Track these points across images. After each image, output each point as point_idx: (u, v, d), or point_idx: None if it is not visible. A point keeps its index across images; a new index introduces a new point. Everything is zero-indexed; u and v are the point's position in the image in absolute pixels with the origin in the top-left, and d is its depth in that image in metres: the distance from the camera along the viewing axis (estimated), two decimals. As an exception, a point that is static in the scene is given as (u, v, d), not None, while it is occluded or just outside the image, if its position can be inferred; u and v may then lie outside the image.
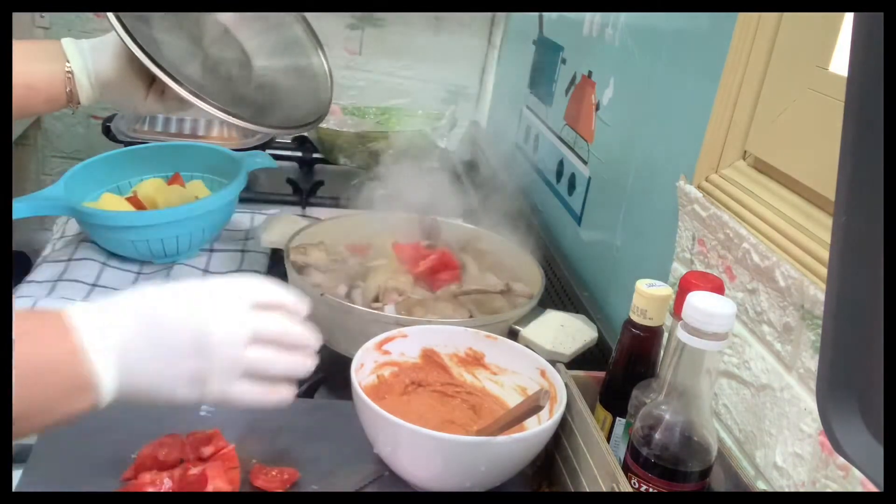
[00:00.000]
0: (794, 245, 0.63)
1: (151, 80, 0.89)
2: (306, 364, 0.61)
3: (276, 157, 1.38)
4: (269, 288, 0.61)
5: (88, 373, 0.52)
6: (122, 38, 0.82)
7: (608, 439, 0.71)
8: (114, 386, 0.53)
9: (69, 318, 0.53)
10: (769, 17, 0.71)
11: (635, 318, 0.68)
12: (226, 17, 1.02)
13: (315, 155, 1.56)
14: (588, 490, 0.67)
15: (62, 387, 0.51)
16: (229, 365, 0.57)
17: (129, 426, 0.73)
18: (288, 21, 1.08)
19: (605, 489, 0.63)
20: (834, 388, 0.38)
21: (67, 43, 0.85)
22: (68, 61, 0.84)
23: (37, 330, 0.52)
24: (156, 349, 0.55)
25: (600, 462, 0.65)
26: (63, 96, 0.85)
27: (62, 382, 0.51)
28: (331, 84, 1.07)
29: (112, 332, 0.53)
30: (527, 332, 0.88)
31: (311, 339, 0.62)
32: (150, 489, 0.65)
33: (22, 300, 0.95)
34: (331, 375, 0.87)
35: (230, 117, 0.87)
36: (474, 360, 0.81)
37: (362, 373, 0.75)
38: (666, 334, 0.69)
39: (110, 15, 0.82)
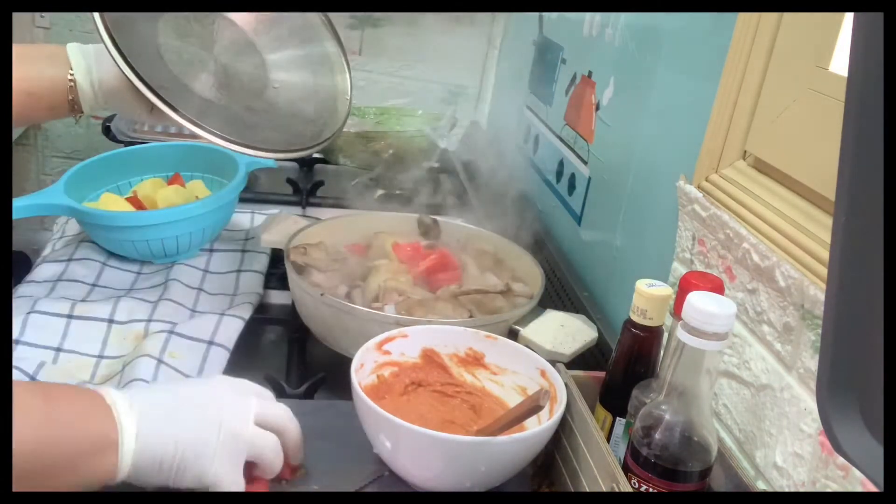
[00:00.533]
0: (794, 245, 0.63)
1: None
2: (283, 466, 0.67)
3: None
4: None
5: (112, 430, 0.58)
6: (115, 60, 0.77)
7: (608, 439, 0.71)
8: (132, 446, 0.58)
9: (102, 392, 0.60)
10: (769, 17, 0.71)
11: (635, 318, 0.68)
12: (245, 22, 0.98)
13: (315, 155, 1.56)
14: (588, 490, 0.67)
15: (89, 442, 0.57)
16: (231, 438, 0.62)
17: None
18: (319, 37, 1.05)
19: (605, 489, 0.63)
20: (834, 388, 0.38)
21: (72, 48, 0.82)
22: (71, 67, 0.82)
23: (75, 395, 0.59)
24: (171, 418, 0.61)
25: (600, 462, 0.65)
26: (66, 104, 0.83)
27: (89, 437, 0.57)
28: (349, 104, 1.03)
29: (136, 400, 0.60)
30: (527, 332, 0.88)
31: (300, 446, 0.68)
32: None
33: (22, 300, 0.95)
34: (331, 375, 0.87)
35: (232, 144, 0.84)
36: (474, 360, 0.81)
37: (362, 373, 0.75)
38: (666, 334, 0.69)
39: (103, 34, 0.78)
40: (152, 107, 0.87)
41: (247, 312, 0.97)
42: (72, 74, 0.82)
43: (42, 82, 0.81)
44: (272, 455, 0.64)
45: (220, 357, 0.88)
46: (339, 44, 1.05)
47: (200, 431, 0.61)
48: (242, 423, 0.62)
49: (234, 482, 0.62)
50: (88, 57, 0.83)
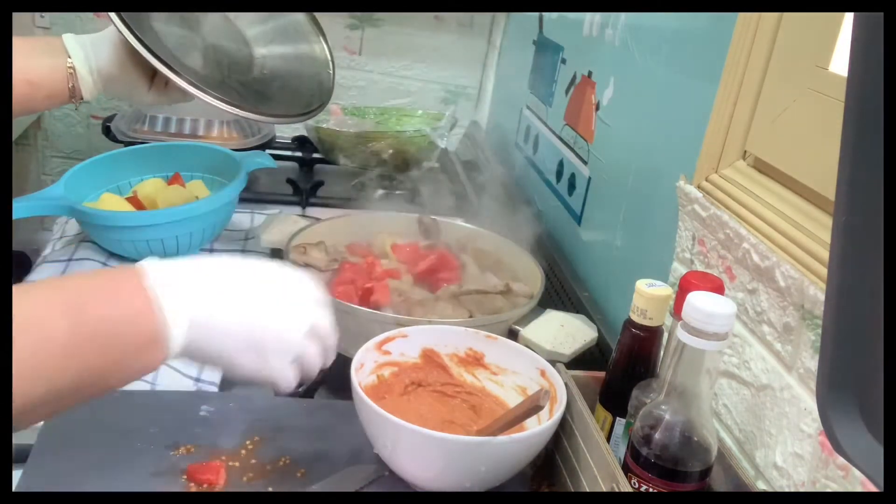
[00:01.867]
0: (794, 245, 0.63)
1: (153, 72, 0.88)
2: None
3: (276, 157, 1.38)
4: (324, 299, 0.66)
5: (162, 327, 0.53)
6: (120, 31, 0.81)
7: (608, 439, 0.71)
8: (181, 342, 0.55)
9: (143, 275, 0.54)
10: (769, 17, 0.71)
11: (635, 318, 0.68)
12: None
13: (315, 155, 1.56)
14: (588, 490, 0.67)
15: (136, 342, 0.53)
16: (287, 346, 0.61)
17: (128, 426, 0.74)
18: (305, 34, 1.08)
19: (605, 489, 0.63)
20: (834, 388, 0.38)
21: (69, 38, 0.85)
22: (70, 56, 0.84)
23: (112, 286, 0.54)
24: (226, 314, 0.57)
25: (600, 462, 0.65)
26: (65, 92, 0.85)
27: (136, 338, 0.53)
28: (332, 70, 1.05)
29: (185, 291, 0.55)
30: (527, 332, 0.88)
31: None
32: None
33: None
34: (331, 375, 0.87)
35: (232, 108, 0.86)
36: (474, 360, 0.81)
37: (362, 373, 0.75)
38: (666, 334, 0.69)
39: (114, 18, 0.82)
40: (150, 86, 0.89)
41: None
42: (70, 62, 0.84)
43: (41, 70, 0.83)
44: (314, 363, 0.64)
45: None
46: (307, 15, 1.08)
47: (252, 340, 0.59)
48: (296, 333, 0.61)
49: (285, 378, 0.62)
50: (85, 46, 0.85)
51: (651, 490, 0.61)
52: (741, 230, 0.70)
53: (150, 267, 0.55)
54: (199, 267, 0.58)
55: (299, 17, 1.07)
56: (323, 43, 1.07)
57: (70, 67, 0.84)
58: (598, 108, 1.12)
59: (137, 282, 0.54)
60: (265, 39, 1.03)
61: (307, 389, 0.85)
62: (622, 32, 1.07)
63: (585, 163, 1.15)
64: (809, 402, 0.61)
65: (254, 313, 0.59)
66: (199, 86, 0.84)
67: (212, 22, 0.99)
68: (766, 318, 0.67)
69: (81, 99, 0.86)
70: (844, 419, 0.38)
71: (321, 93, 1.03)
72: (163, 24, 0.90)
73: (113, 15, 0.81)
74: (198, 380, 0.85)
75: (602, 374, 0.74)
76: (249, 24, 1.03)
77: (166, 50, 0.85)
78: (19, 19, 1.62)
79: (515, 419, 0.68)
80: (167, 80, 0.87)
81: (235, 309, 0.58)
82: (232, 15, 1.02)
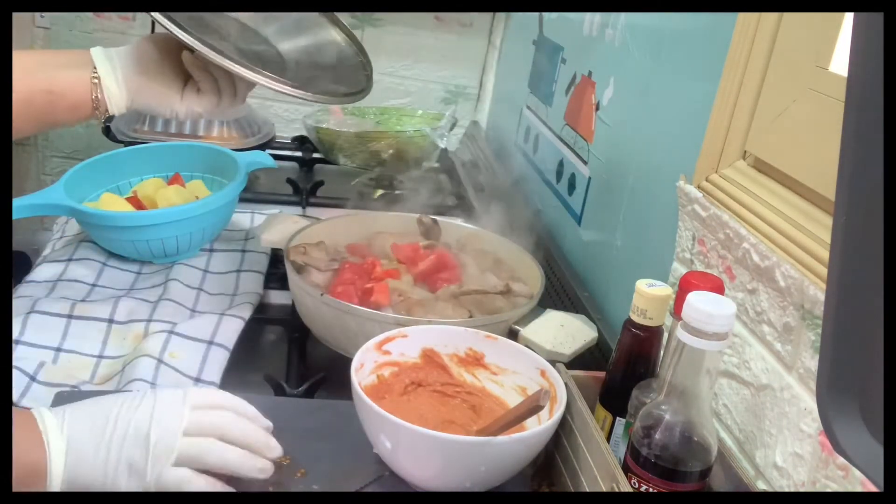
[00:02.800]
0: (794, 245, 0.63)
1: (185, 79, 0.86)
2: (254, 461, 0.65)
3: (276, 157, 1.38)
4: (213, 392, 0.68)
5: (44, 463, 0.60)
6: (161, 23, 0.78)
7: (608, 439, 0.71)
8: (60, 474, 0.60)
9: (41, 419, 0.61)
10: (769, 17, 0.71)
11: (635, 318, 0.68)
12: (240, 14, 0.98)
13: (315, 155, 1.56)
14: (588, 490, 0.67)
15: (23, 473, 0.59)
16: (162, 452, 0.62)
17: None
18: (321, 23, 1.05)
19: (605, 489, 0.63)
20: (834, 388, 0.38)
21: (96, 51, 0.83)
22: (95, 67, 0.82)
23: (15, 428, 0.59)
24: (100, 441, 0.61)
25: (600, 462, 0.65)
26: (89, 104, 0.82)
27: (23, 469, 0.59)
28: (358, 47, 1.02)
29: (67, 429, 0.61)
30: (527, 332, 0.88)
31: (260, 436, 0.67)
32: None
33: (22, 300, 0.95)
34: (331, 375, 0.87)
35: (281, 85, 0.82)
36: (474, 360, 0.81)
37: (362, 373, 0.75)
38: (666, 334, 0.69)
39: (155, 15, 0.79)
40: (182, 94, 0.86)
41: (247, 312, 0.97)
42: (95, 73, 0.82)
43: (65, 81, 0.81)
44: (215, 459, 0.63)
45: (221, 357, 0.88)
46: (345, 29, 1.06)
47: (130, 454, 0.61)
48: (172, 437, 0.62)
49: (181, 479, 0.62)
50: (112, 58, 0.83)
51: (651, 490, 0.61)
52: (741, 230, 0.70)
53: (46, 414, 0.62)
54: (81, 409, 0.64)
55: (334, 35, 1.05)
56: (338, 28, 1.04)
57: (95, 78, 0.81)
58: (598, 108, 1.12)
59: (34, 427, 0.61)
60: (283, 35, 1.00)
61: (307, 389, 0.85)
62: (622, 32, 1.07)
63: (585, 163, 1.15)
64: (809, 402, 0.61)
65: (122, 434, 0.62)
66: (242, 62, 0.80)
67: (234, 28, 0.97)
68: (766, 318, 0.67)
69: (106, 112, 0.83)
70: (844, 419, 0.38)
71: (360, 69, 1.00)
72: (196, 34, 0.88)
73: (156, 14, 0.78)
74: (198, 380, 0.85)
75: (602, 374, 0.74)
76: (265, 23, 1.00)
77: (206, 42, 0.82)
78: (19, 19, 1.62)
79: (515, 419, 0.68)
80: (200, 87, 0.86)
81: (106, 436, 0.62)
82: (246, 19, 0.99)
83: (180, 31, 0.78)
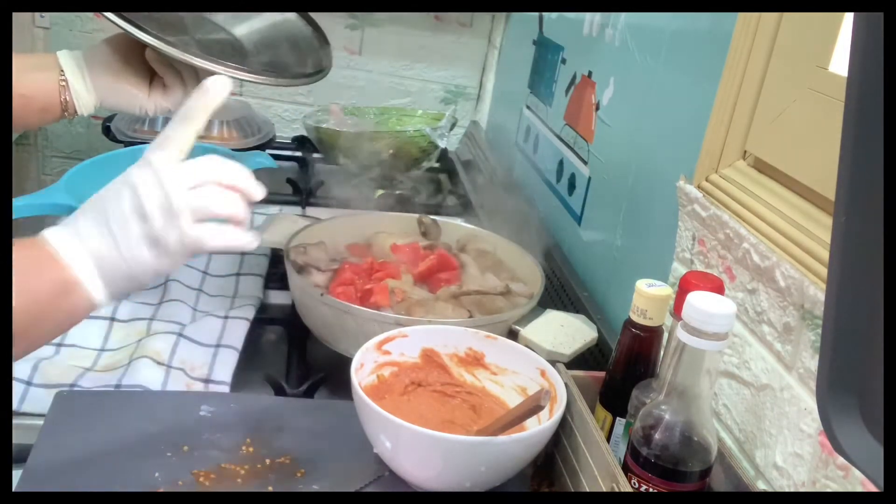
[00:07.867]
0: (794, 245, 0.63)
1: (150, 76, 0.87)
2: (245, 204, 0.66)
3: (276, 157, 1.38)
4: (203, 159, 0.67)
5: (69, 273, 0.60)
6: (115, 22, 0.78)
7: (608, 439, 0.71)
8: (92, 272, 0.60)
9: (44, 240, 0.61)
10: (769, 17, 0.71)
11: (635, 318, 0.68)
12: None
13: (315, 155, 1.56)
14: (588, 490, 0.67)
15: (49, 291, 0.59)
16: (173, 212, 0.61)
17: (128, 426, 0.74)
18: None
19: (605, 489, 0.63)
20: (834, 388, 0.38)
21: (63, 54, 0.85)
22: (62, 70, 0.83)
23: (20, 255, 0.58)
24: (104, 227, 0.61)
25: (600, 462, 0.65)
26: (58, 106, 0.84)
27: (48, 287, 0.59)
28: (328, 48, 1.02)
29: (79, 231, 0.61)
30: (527, 332, 0.88)
31: (246, 174, 0.67)
32: None
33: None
34: (331, 375, 0.87)
35: (237, 72, 0.83)
36: (474, 360, 0.81)
37: (362, 373, 0.75)
38: (666, 334, 0.69)
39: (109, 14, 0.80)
40: (149, 92, 0.88)
41: (250, 314, 0.97)
42: (63, 76, 0.83)
43: (34, 84, 0.83)
44: (219, 207, 0.64)
45: (231, 358, 0.88)
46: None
47: (134, 222, 0.61)
48: (175, 195, 0.62)
49: (202, 234, 0.63)
50: (79, 59, 0.85)
51: (651, 490, 0.61)
52: (741, 230, 0.70)
53: (50, 234, 0.62)
54: (81, 210, 0.63)
55: (294, 21, 1.05)
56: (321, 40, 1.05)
57: (63, 80, 0.83)
58: (598, 108, 1.12)
59: (41, 247, 0.61)
60: (237, 20, 1.00)
61: (307, 389, 0.85)
62: (622, 32, 1.07)
63: (585, 163, 1.15)
64: (809, 402, 0.61)
65: (121, 208, 0.62)
66: (200, 54, 0.81)
67: (189, 19, 0.97)
68: (766, 318, 0.67)
69: (75, 113, 0.85)
70: (844, 419, 0.38)
71: (317, 47, 1.00)
72: (154, 32, 0.89)
73: (110, 14, 0.80)
74: (208, 380, 0.85)
75: (602, 374, 0.74)
76: (239, 28, 1.01)
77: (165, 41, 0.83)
78: (19, 19, 1.62)
79: (516, 419, 0.68)
80: (166, 83, 0.87)
81: (107, 218, 0.61)
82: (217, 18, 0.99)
83: (137, 31, 0.79)
